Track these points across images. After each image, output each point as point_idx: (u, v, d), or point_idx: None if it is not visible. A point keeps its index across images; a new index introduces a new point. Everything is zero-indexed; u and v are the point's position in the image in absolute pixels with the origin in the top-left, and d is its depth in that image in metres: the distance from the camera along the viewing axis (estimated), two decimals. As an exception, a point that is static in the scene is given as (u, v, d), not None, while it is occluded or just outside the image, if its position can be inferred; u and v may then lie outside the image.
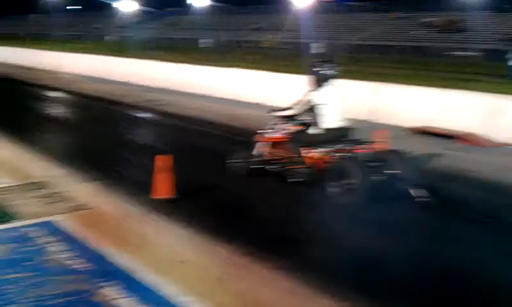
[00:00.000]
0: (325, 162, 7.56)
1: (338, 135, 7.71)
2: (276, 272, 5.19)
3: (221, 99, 16.80)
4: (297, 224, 6.60)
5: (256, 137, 8.50)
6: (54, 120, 14.87)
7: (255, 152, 8.38)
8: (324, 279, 5.02)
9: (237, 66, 19.85)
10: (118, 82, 22.12)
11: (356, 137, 7.82)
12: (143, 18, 57.15)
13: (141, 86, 20.52)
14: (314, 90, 7.86)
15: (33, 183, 7.68)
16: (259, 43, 42.36)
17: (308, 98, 7.85)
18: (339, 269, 5.36)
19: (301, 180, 7.70)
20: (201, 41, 43.37)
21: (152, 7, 58.23)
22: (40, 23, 73.93)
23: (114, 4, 58.36)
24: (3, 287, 4.66)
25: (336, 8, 46.88)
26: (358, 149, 7.51)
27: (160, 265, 5.19)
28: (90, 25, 66.66)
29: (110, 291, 4.67)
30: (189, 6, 55.53)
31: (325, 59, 8.44)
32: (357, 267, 5.47)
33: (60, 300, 4.51)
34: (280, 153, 8.14)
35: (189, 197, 7.26)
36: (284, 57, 33.23)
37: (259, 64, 21.50)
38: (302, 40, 38.04)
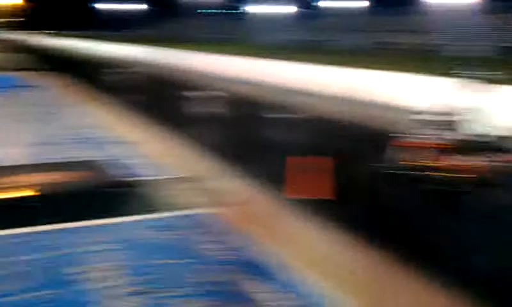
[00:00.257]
0: (471, 171, 7.19)
1: (486, 143, 7.29)
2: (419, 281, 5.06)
3: (363, 102, 16.46)
4: (446, 233, 6.32)
5: (396, 142, 8.28)
6: (207, 119, 15.49)
7: (395, 157, 8.18)
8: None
9: (379, 68, 19.42)
10: (260, 84, 22.22)
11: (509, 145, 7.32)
12: (288, 20, 57.97)
13: (288, 88, 20.44)
14: (459, 94, 7.51)
15: (184, 176, 8.20)
16: (401, 44, 41.06)
17: (452, 102, 7.52)
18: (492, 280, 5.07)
19: (445, 188, 7.39)
20: (340, 42, 43.14)
21: (299, 9, 58.81)
22: (187, 25, 77.86)
23: (254, 8, 59.94)
24: (151, 270, 5.04)
25: (483, 9, 43.93)
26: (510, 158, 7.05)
27: (303, 262, 5.30)
28: (234, 28, 68.81)
29: (253, 284, 4.86)
30: (327, 9, 55.33)
31: (471, 62, 8.03)
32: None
33: (204, 289, 4.76)
34: (422, 158, 7.87)
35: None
36: (427, 59, 31.83)
37: (400, 66, 20.83)
38: (445, 42, 36.30)
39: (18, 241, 5.47)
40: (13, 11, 61.01)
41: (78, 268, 4.97)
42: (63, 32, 79.19)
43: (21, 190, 6.27)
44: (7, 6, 52.37)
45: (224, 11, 74.65)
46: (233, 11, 68.12)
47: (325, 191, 7.14)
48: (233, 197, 7.34)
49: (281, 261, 5.30)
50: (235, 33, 58.95)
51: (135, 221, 6.30)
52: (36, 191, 6.26)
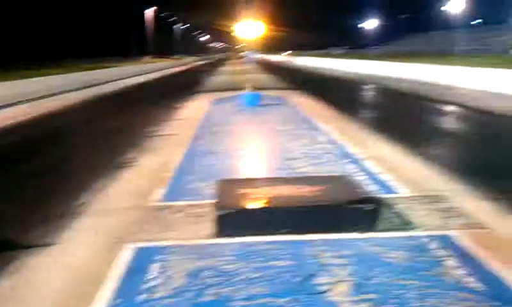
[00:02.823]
0: None
1: None
2: None
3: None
4: None
5: None
6: (448, 135, 14.95)
7: None
8: None
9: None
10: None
11: None
12: None
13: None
14: None
15: (428, 195, 7.85)
16: None
17: None
18: None
19: None
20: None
21: None
22: (441, 39, 75.28)
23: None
24: (399, 291, 4.90)
25: None
26: None
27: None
28: (494, 39, 64.20)
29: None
30: None
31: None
32: None
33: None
34: None
35: None
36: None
37: None
38: None
39: (268, 247, 5.85)
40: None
41: (320, 280, 5.10)
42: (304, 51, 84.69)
43: (269, 201, 6.69)
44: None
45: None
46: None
47: None
48: (482, 221, 6.80)
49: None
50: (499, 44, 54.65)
51: (377, 238, 6.20)
52: (283, 203, 6.60)
